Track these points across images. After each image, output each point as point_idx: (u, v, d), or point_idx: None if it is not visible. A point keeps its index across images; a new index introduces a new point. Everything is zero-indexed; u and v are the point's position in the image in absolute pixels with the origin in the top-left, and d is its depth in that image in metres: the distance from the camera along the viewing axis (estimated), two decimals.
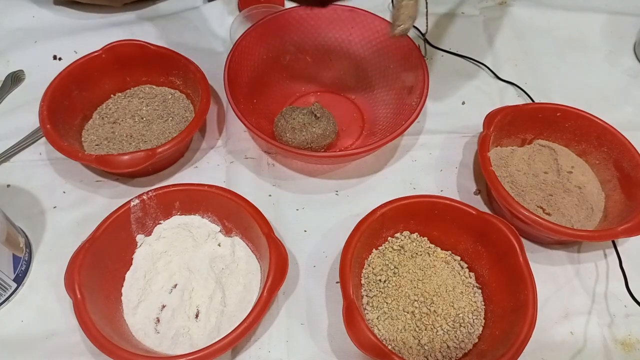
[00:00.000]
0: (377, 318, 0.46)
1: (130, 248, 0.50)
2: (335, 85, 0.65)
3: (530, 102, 0.65)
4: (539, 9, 0.77)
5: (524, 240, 0.49)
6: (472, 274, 0.50)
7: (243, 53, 0.58)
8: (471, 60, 0.70)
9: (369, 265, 0.49)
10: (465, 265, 0.50)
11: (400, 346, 0.45)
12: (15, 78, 0.65)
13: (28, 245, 0.51)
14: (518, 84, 0.67)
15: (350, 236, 0.46)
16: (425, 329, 0.45)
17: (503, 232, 0.47)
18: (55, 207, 0.55)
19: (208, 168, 0.58)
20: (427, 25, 0.52)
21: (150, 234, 0.51)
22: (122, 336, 0.44)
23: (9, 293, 0.48)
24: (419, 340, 0.45)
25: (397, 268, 0.49)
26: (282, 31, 0.62)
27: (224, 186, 0.51)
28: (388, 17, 0.61)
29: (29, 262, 0.50)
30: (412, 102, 0.56)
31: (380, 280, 0.48)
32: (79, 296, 0.43)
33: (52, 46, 0.68)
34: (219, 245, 0.51)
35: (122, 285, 0.48)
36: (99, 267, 0.46)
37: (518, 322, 0.43)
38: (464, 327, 0.46)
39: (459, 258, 0.50)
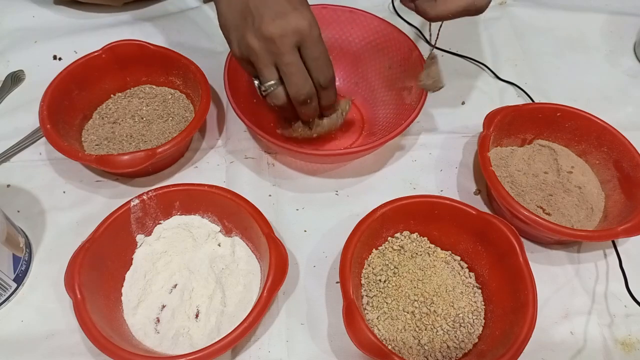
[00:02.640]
0: (377, 318, 0.46)
1: (130, 248, 0.50)
2: (335, 85, 0.65)
3: (530, 102, 0.65)
4: (539, 9, 0.77)
5: (524, 240, 0.49)
6: (472, 274, 0.50)
7: None
8: (471, 60, 0.70)
9: (369, 265, 0.49)
10: (465, 265, 0.50)
11: (400, 346, 0.45)
12: (15, 78, 0.65)
13: (28, 245, 0.51)
14: (518, 84, 0.67)
15: (350, 236, 0.46)
16: (425, 329, 0.45)
17: (503, 232, 0.47)
18: (55, 207, 0.55)
19: (208, 168, 0.58)
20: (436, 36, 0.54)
21: (150, 234, 0.51)
22: (122, 336, 0.44)
23: (9, 293, 0.48)
24: (419, 340, 0.45)
25: (397, 268, 0.49)
26: None
27: (224, 186, 0.51)
28: (388, 18, 0.61)
29: (29, 262, 0.50)
30: (412, 102, 0.56)
31: (380, 280, 0.48)
32: (79, 296, 0.43)
33: (52, 46, 0.68)
34: (219, 245, 0.51)
35: (122, 285, 0.48)
36: (99, 267, 0.46)
37: (518, 322, 0.43)
38: (464, 327, 0.46)
39: (459, 258, 0.50)
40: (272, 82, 0.47)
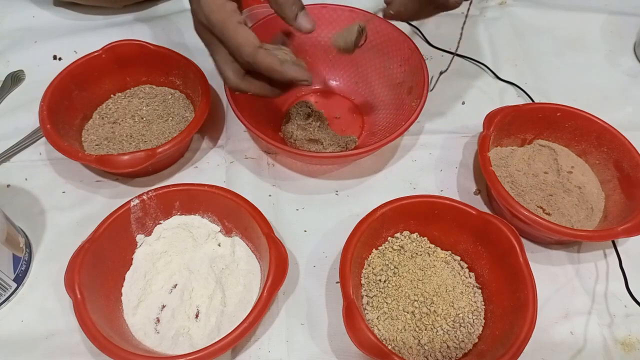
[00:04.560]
0: (377, 318, 0.46)
1: (130, 248, 0.50)
2: (335, 85, 0.65)
3: (530, 102, 0.65)
4: (539, 9, 0.77)
5: (524, 240, 0.49)
6: (472, 274, 0.50)
7: None
8: (471, 60, 0.70)
9: (369, 265, 0.49)
10: (465, 265, 0.50)
11: (400, 346, 0.45)
12: (15, 78, 0.65)
13: (28, 245, 0.51)
14: (518, 84, 0.67)
15: (350, 236, 0.46)
16: (425, 329, 0.45)
17: (503, 232, 0.47)
18: (55, 207, 0.54)
19: (208, 168, 0.58)
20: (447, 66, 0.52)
21: (150, 234, 0.51)
22: (122, 336, 0.44)
23: (9, 293, 0.48)
24: (419, 340, 0.45)
25: (397, 268, 0.49)
26: (282, 31, 0.62)
27: (224, 186, 0.51)
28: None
29: (29, 262, 0.50)
30: (412, 103, 0.56)
31: (380, 280, 0.48)
32: (79, 296, 0.43)
33: (52, 46, 0.68)
34: (219, 245, 0.51)
35: (122, 285, 0.48)
36: (99, 267, 0.46)
37: (518, 322, 0.43)
38: (464, 327, 0.46)
39: (459, 258, 0.50)
40: None
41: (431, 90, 0.54)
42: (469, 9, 0.48)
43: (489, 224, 0.48)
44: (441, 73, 0.53)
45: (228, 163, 0.59)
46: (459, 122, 0.63)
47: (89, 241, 0.46)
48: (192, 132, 0.54)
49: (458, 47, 0.50)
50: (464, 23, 0.48)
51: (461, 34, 0.49)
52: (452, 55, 0.50)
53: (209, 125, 0.61)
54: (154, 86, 0.62)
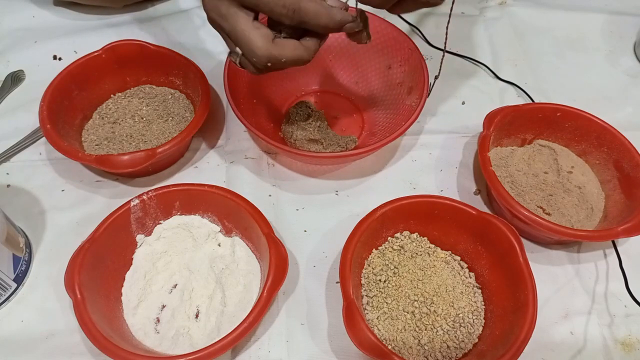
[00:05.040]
0: (377, 318, 0.46)
1: (130, 248, 0.50)
2: (335, 85, 0.65)
3: (530, 102, 0.65)
4: (539, 9, 0.77)
5: (524, 240, 0.49)
6: (472, 274, 0.50)
7: None
8: (471, 60, 0.70)
9: (369, 265, 0.49)
10: (465, 265, 0.50)
11: (400, 346, 0.45)
12: (15, 78, 0.65)
13: (28, 245, 0.51)
14: (518, 84, 0.67)
15: (350, 236, 0.46)
16: (425, 329, 0.45)
17: (503, 232, 0.47)
18: (55, 207, 0.54)
19: (208, 168, 0.58)
20: (439, 70, 0.51)
21: (150, 234, 0.51)
22: (122, 336, 0.44)
23: (9, 293, 0.48)
24: (419, 340, 0.45)
25: (397, 268, 0.49)
26: None
27: (224, 186, 0.51)
28: (388, 18, 0.61)
29: (29, 262, 0.50)
30: (412, 102, 0.56)
31: (380, 280, 0.48)
32: (79, 296, 0.43)
33: (52, 46, 0.68)
34: (219, 245, 0.51)
35: (122, 285, 0.48)
36: (99, 267, 0.46)
37: (518, 322, 0.43)
38: (464, 327, 0.46)
39: (459, 258, 0.50)
40: None
41: (427, 96, 0.54)
42: (452, 8, 0.48)
43: (489, 224, 0.48)
44: (436, 78, 0.53)
45: (228, 163, 0.59)
46: (459, 122, 0.63)
47: (89, 241, 0.46)
48: (192, 132, 0.54)
49: (445, 45, 0.50)
50: (448, 22, 0.48)
51: (446, 33, 0.49)
52: (443, 58, 0.50)
53: (209, 125, 0.61)
54: (154, 86, 0.62)
